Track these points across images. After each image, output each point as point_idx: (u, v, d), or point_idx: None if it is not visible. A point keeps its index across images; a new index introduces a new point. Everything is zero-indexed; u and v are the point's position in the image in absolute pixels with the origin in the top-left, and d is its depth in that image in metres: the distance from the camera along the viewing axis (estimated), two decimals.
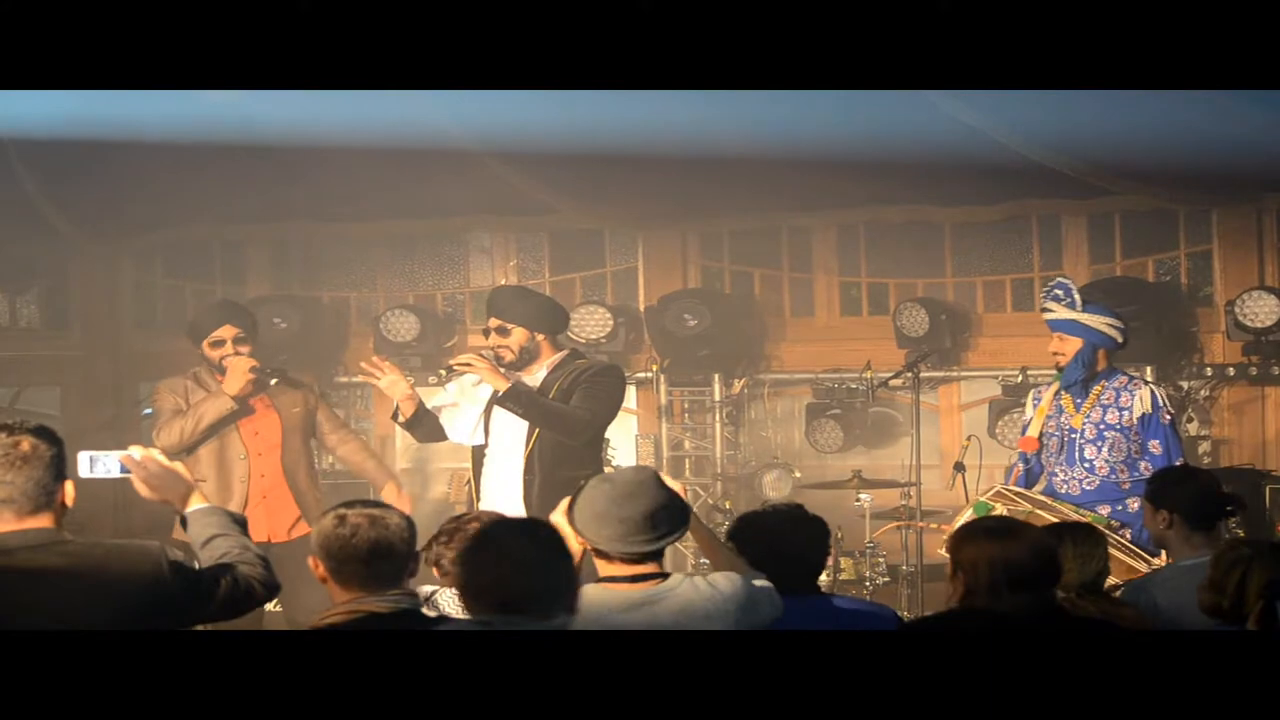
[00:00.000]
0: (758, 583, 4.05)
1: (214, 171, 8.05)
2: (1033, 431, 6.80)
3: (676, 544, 8.25)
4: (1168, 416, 6.59)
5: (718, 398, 9.15)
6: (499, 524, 3.75)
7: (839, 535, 7.34)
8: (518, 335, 6.12)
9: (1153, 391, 6.62)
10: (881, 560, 7.47)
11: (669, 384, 9.24)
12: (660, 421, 9.26)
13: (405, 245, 9.89)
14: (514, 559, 3.38)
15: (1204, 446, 8.37)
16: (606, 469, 5.87)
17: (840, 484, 7.89)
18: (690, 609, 3.81)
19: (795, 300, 9.50)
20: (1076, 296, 6.67)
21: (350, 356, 9.30)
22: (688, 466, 9.30)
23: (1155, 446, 6.56)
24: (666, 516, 3.84)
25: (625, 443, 9.17)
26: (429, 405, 6.29)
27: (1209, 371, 8.37)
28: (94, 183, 8.41)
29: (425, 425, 6.27)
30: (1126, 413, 6.54)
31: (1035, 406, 6.85)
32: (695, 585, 3.87)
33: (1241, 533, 6.76)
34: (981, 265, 9.17)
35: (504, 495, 6.06)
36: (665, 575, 3.88)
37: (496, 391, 6.01)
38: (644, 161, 7.35)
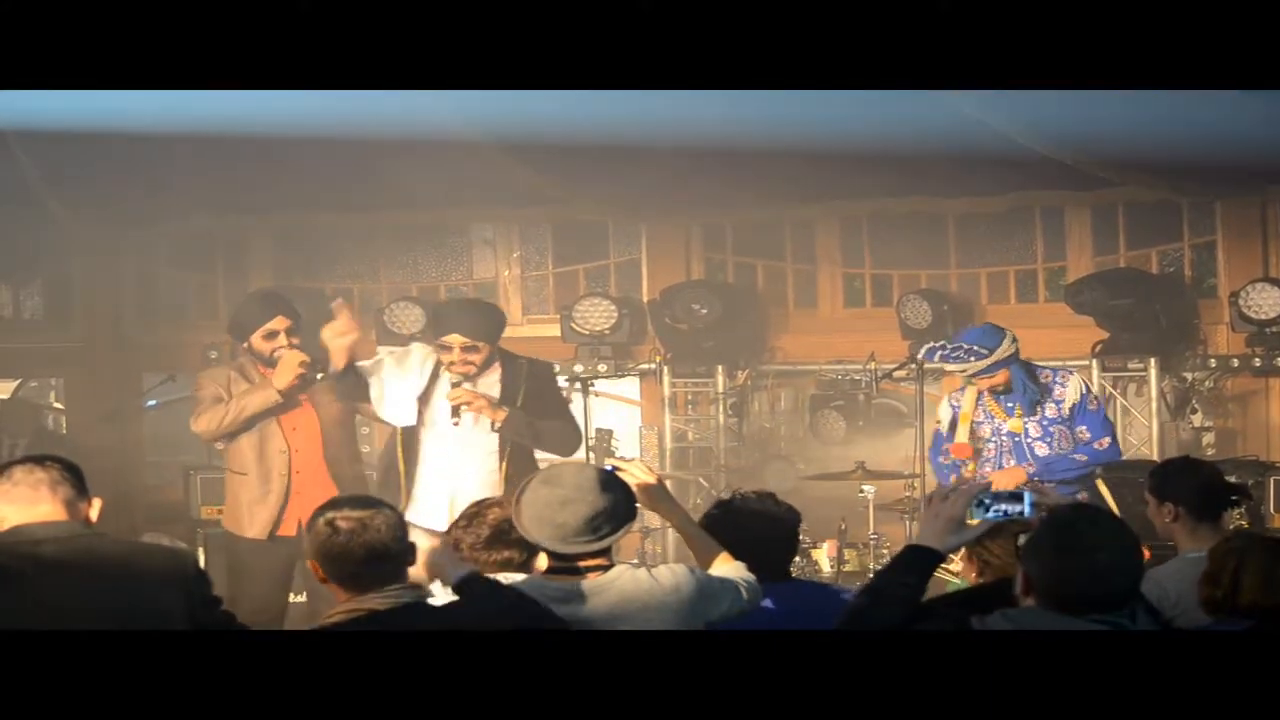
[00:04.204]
0: (730, 574, 4.04)
1: (216, 163, 8.04)
2: (961, 438, 6.85)
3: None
4: (1095, 403, 6.83)
5: (721, 389, 9.14)
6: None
7: (842, 527, 7.35)
8: (484, 351, 6.26)
9: (1081, 380, 6.85)
10: (885, 552, 7.45)
11: (672, 375, 9.23)
12: (664, 413, 9.27)
13: (408, 237, 9.89)
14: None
15: (1208, 438, 8.36)
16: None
17: (843, 475, 7.88)
18: (627, 601, 3.83)
19: (799, 292, 9.49)
20: (989, 341, 6.67)
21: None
22: (691, 458, 9.30)
23: (1083, 433, 6.71)
24: (608, 518, 3.84)
25: (629, 434, 9.17)
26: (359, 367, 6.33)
27: (1213, 363, 8.36)
28: (97, 175, 8.40)
29: (349, 385, 6.28)
30: (1061, 404, 6.71)
31: (955, 413, 6.90)
32: (635, 577, 3.88)
33: (1246, 524, 6.76)
34: (985, 257, 9.15)
35: (476, 475, 6.24)
36: (609, 566, 3.89)
37: (493, 421, 6.21)
38: (648, 154, 7.34)
